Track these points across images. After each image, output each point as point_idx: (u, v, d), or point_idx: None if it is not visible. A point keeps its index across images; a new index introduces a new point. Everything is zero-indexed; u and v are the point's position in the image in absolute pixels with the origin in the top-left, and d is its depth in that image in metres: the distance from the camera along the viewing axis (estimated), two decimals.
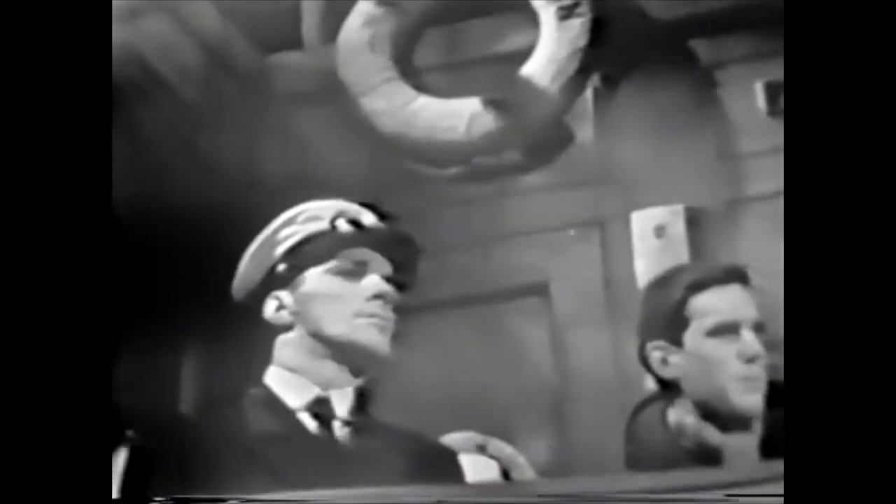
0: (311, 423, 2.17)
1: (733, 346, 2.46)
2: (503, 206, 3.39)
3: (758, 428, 2.49)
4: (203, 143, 3.29)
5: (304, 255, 2.24)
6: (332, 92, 3.45)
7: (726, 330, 2.48)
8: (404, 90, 3.41)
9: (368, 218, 2.27)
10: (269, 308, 2.24)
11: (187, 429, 2.18)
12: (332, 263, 2.22)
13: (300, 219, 2.28)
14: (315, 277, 2.23)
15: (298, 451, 2.12)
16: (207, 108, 3.31)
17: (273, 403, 2.18)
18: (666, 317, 2.52)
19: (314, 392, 2.19)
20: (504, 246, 3.38)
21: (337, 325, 2.20)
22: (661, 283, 2.62)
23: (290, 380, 2.21)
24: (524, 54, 3.42)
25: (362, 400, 2.22)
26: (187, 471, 2.01)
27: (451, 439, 2.63)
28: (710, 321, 2.49)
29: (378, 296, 2.21)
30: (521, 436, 2.84)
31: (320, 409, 2.18)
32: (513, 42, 3.49)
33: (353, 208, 2.28)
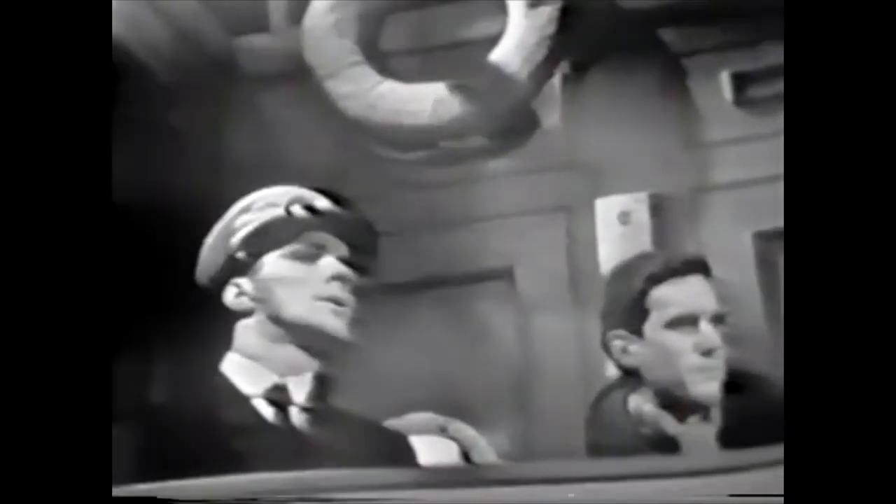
0: (267, 411, 2.17)
1: (691, 338, 2.49)
2: (469, 191, 3.39)
3: (716, 417, 2.52)
4: (173, 122, 3.28)
5: (261, 241, 2.25)
6: (299, 74, 3.44)
7: (685, 322, 2.52)
8: (370, 74, 3.41)
9: (323, 202, 2.28)
10: (230, 295, 2.25)
11: (158, 417, 2.18)
12: (289, 248, 2.23)
13: (256, 206, 2.29)
14: (273, 262, 2.25)
15: (258, 438, 2.12)
16: (177, 88, 3.30)
17: (233, 391, 2.19)
18: (626, 307, 2.57)
19: (272, 379, 2.19)
20: (469, 230, 3.38)
21: (295, 308, 2.21)
22: (623, 272, 2.65)
23: (247, 367, 2.21)
24: (492, 41, 3.42)
25: (321, 386, 2.22)
26: (158, 459, 2.01)
27: (411, 420, 2.63)
28: (669, 313, 2.53)
29: (336, 277, 2.22)
30: (484, 419, 2.83)
31: (277, 396, 2.18)
32: (480, 28, 3.49)
33: (309, 194, 2.30)
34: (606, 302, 2.65)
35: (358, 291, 2.27)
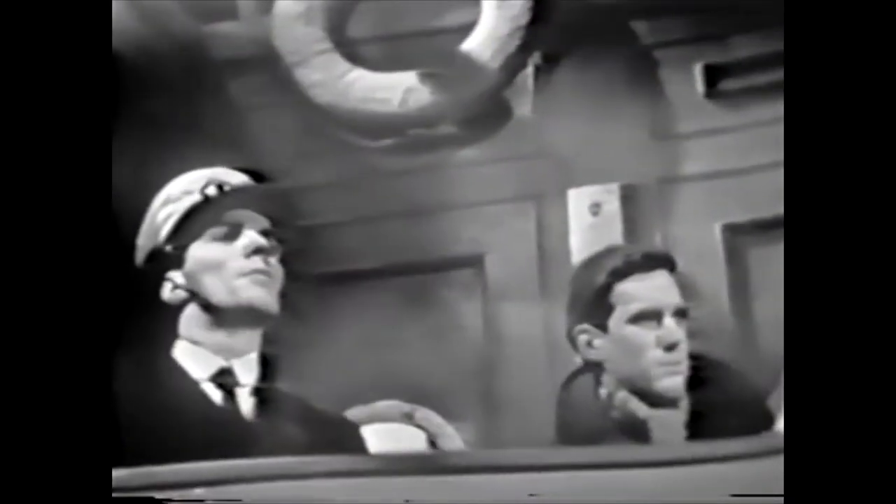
0: (215, 395, 2.16)
1: (654, 333, 2.50)
2: (438, 179, 3.38)
3: (684, 406, 2.52)
4: (143, 109, 3.27)
5: (186, 231, 2.24)
6: (268, 62, 3.43)
7: (648, 317, 2.53)
8: (339, 62, 3.40)
9: (238, 179, 2.27)
10: (166, 290, 2.24)
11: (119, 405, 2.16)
12: (209, 232, 2.22)
13: (174, 196, 2.28)
14: (196, 250, 2.24)
15: (206, 424, 2.11)
16: (146, 73, 3.28)
17: (182, 376, 2.18)
18: (591, 302, 2.58)
19: (218, 363, 2.18)
20: (439, 218, 3.37)
21: (221, 291, 2.20)
22: (588, 266, 2.66)
23: (195, 352, 2.20)
24: (463, 30, 3.41)
25: (267, 368, 2.21)
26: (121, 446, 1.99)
27: (376, 407, 2.63)
28: (633, 308, 2.54)
29: (256, 251, 2.21)
30: (451, 407, 2.83)
31: (224, 379, 2.17)
32: (452, 18, 3.48)
33: (222, 173, 2.28)
34: (572, 296, 2.66)
35: (284, 261, 2.26)
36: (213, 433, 2.08)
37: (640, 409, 2.51)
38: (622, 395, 2.52)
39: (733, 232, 3.29)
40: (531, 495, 1.79)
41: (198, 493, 1.75)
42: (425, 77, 3.34)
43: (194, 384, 2.17)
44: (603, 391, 2.56)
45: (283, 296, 2.24)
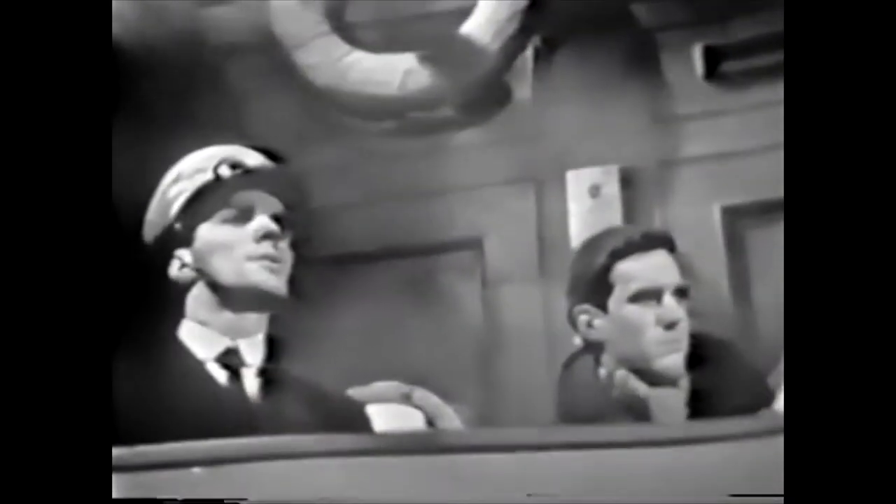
0: (220, 375, 2.16)
1: (654, 312, 2.50)
2: (438, 161, 3.38)
3: (684, 384, 2.53)
4: (141, 92, 3.27)
5: (196, 210, 2.23)
6: (266, 45, 3.42)
7: (648, 296, 2.53)
8: (338, 44, 3.40)
9: (253, 159, 2.25)
10: (174, 268, 2.23)
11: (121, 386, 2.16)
12: (220, 213, 2.21)
13: (186, 173, 2.27)
14: (206, 230, 2.23)
15: (211, 404, 2.11)
16: (144, 58, 3.28)
17: (187, 357, 2.17)
18: (591, 282, 2.58)
19: (224, 343, 2.18)
20: (438, 200, 3.37)
21: (229, 273, 2.19)
22: (588, 247, 2.66)
23: (201, 332, 2.20)
24: (463, 13, 3.41)
25: (273, 349, 2.21)
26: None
27: (375, 388, 2.63)
28: (632, 287, 2.54)
29: (266, 235, 2.20)
30: (450, 388, 2.83)
31: (230, 359, 2.17)
32: (450, 2, 3.48)
33: (237, 151, 2.27)
34: (572, 277, 2.66)
35: (294, 246, 2.25)
36: (218, 413, 2.08)
37: (639, 387, 2.51)
38: (621, 373, 2.53)
39: (733, 214, 3.29)
40: (530, 475, 1.79)
41: (196, 472, 1.75)
42: (425, 59, 3.34)
43: (199, 364, 2.17)
44: (603, 371, 2.56)
45: (291, 279, 2.23)
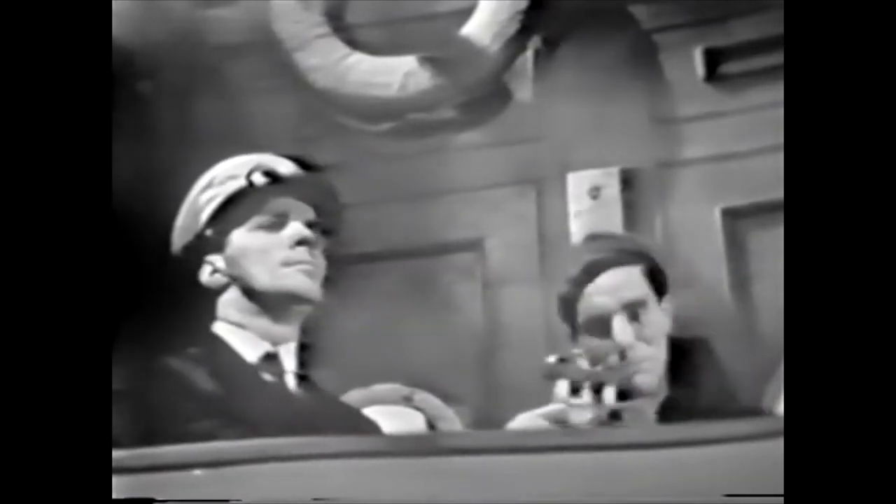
0: (267, 377, 2.17)
1: (609, 342, 2.48)
2: (438, 163, 3.38)
3: (657, 400, 2.51)
4: (140, 91, 3.27)
5: (228, 217, 2.24)
6: (266, 46, 3.43)
7: (597, 326, 2.49)
8: (338, 46, 3.40)
9: (285, 167, 2.26)
10: (205, 273, 2.25)
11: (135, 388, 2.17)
12: (254, 220, 2.22)
13: (218, 180, 2.28)
14: (240, 236, 2.24)
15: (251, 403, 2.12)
16: (144, 58, 3.28)
17: (220, 358, 2.18)
18: (564, 303, 2.55)
19: (265, 347, 2.19)
20: (439, 202, 3.37)
21: (265, 278, 2.21)
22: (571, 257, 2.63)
23: (240, 334, 2.21)
24: (463, 14, 3.41)
25: (305, 355, 2.23)
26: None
27: (376, 390, 2.63)
28: (581, 319, 2.50)
29: (301, 242, 2.21)
30: (450, 389, 2.83)
31: (272, 364, 2.18)
32: (451, 3, 3.48)
33: (269, 160, 2.28)
34: (559, 293, 2.62)
35: (329, 256, 2.27)
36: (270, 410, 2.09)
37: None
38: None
39: (733, 216, 3.29)
40: (529, 477, 1.80)
41: (197, 473, 1.75)
42: (425, 61, 3.34)
43: (244, 362, 2.18)
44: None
45: (325, 283, 2.25)
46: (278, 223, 2.23)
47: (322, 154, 3.35)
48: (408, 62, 3.35)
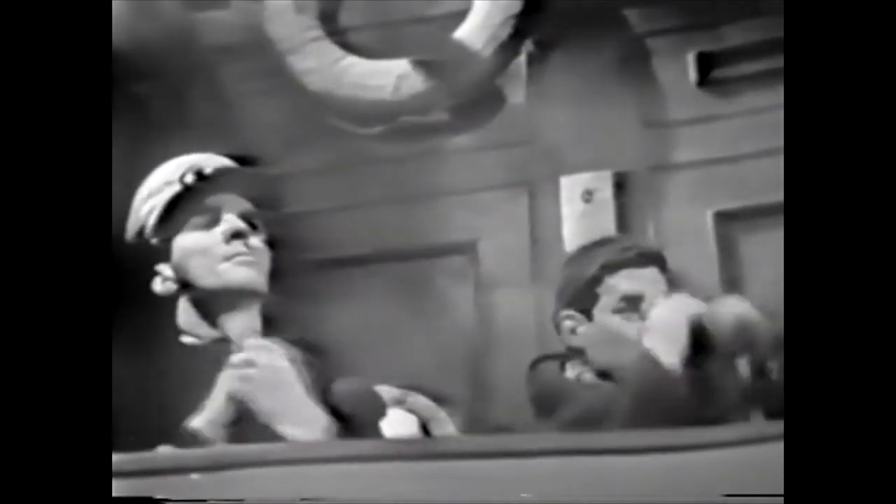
0: None
1: (637, 325, 2.50)
2: (431, 165, 3.38)
3: None
4: (134, 94, 3.27)
5: (170, 223, 2.24)
6: (259, 49, 3.42)
7: (632, 304, 2.52)
8: (332, 49, 3.41)
9: (213, 163, 2.26)
10: (157, 283, 2.23)
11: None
12: (191, 221, 2.22)
13: (155, 188, 2.28)
14: (181, 240, 2.23)
15: None
16: (137, 59, 3.27)
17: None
18: (580, 289, 2.59)
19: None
20: (431, 205, 3.37)
21: (209, 278, 2.20)
22: (581, 256, 2.68)
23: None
24: (456, 18, 3.41)
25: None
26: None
27: None
28: (619, 294, 2.54)
29: (235, 235, 2.20)
30: (443, 391, 2.83)
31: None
32: (445, 5, 3.48)
33: (201, 159, 2.28)
34: (562, 283, 2.68)
35: (271, 243, 2.26)
36: None
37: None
38: (591, 378, 2.56)
39: (725, 219, 3.30)
40: (526, 480, 1.80)
41: (194, 478, 1.75)
42: (418, 64, 3.35)
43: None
44: (570, 374, 2.59)
45: (274, 276, 2.24)
46: (213, 220, 2.23)
47: (315, 156, 3.37)
48: (401, 65, 3.35)
